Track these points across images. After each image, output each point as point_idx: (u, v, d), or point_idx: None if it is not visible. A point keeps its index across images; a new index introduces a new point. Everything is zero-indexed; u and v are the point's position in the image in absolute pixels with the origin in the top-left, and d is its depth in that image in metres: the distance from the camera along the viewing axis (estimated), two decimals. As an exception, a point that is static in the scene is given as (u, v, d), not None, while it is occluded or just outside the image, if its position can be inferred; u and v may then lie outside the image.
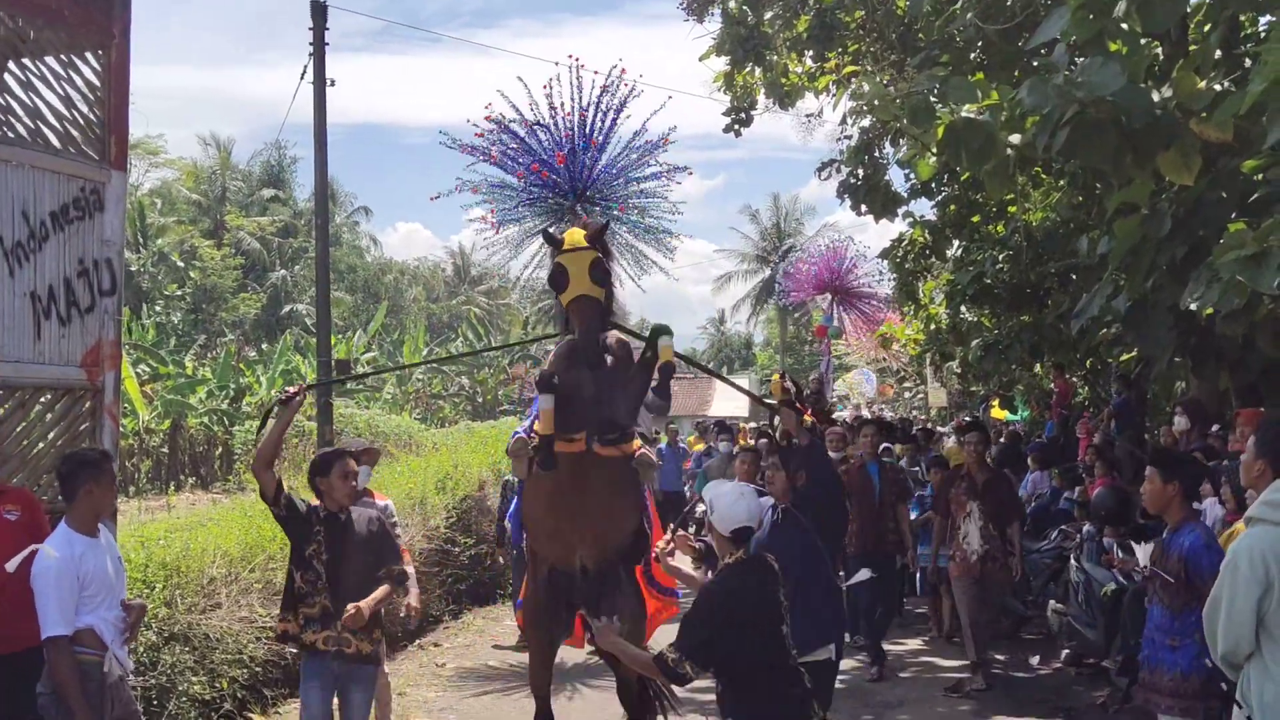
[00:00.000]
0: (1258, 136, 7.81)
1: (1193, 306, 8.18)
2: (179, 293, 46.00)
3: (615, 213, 8.55)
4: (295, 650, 6.87)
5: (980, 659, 10.28)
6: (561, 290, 7.05)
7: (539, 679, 7.70)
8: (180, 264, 46.90)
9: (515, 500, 10.24)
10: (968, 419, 16.68)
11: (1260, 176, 9.03)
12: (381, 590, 6.65)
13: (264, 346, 35.20)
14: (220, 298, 47.43)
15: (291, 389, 6.68)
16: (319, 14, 19.16)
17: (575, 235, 7.18)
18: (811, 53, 14.57)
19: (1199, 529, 6.23)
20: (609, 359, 7.06)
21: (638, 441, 7.13)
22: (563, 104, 7.95)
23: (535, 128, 8.09)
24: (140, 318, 37.33)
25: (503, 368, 47.08)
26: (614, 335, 7.40)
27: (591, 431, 6.88)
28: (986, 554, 10.03)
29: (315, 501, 6.66)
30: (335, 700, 6.65)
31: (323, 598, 6.38)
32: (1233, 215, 8.87)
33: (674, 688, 7.30)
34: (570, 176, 8.12)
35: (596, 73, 7.93)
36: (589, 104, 7.94)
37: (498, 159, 8.15)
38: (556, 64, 8.16)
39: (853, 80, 13.88)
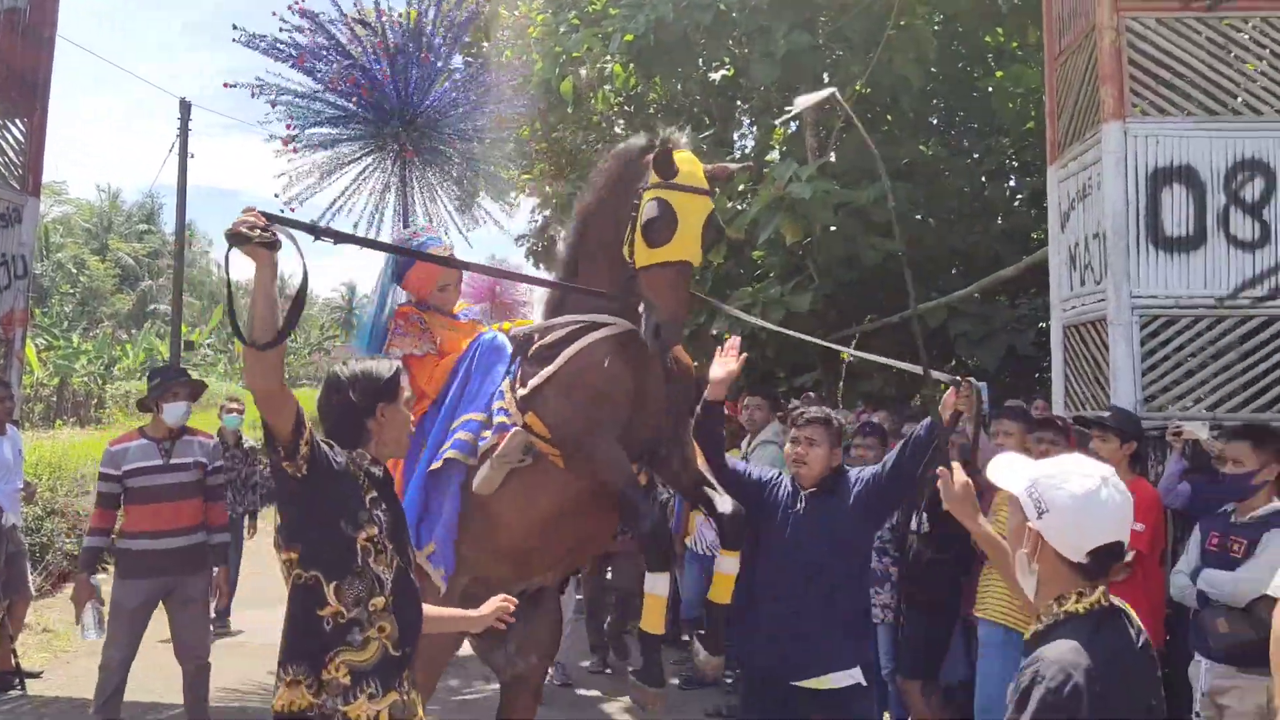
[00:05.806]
0: (757, 236, 8.74)
1: (714, 333, 9.03)
2: (71, 291, 42.59)
3: (444, 148, 4.99)
4: None
5: None
6: (657, 243, 3.06)
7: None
8: (73, 271, 43.52)
9: (451, 510, 3.44)
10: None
11: (759, 258, 10.05)
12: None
13: (133, 332, 33.04)
14: (101, 296, 44.18)
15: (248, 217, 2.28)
16: (185, 109, 19.85)
17: (692, 165, 3.17)
18: (514, 168, 15.08)
19: None
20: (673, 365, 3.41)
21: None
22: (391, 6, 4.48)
23: (356, 24, 4.50)
24: (41, 307, 34.40)
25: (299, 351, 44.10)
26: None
27: (641, 464, 3.35)
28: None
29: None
30: None
31: (381, 627, 2.28)
32: (745, 281, 9.83)
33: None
34: (397, 95, 4.52)
35: None
36: (427, 6, 4.54)
37: (305, 61, 4.45)
38: None
39: (538, 184, 14.50)
